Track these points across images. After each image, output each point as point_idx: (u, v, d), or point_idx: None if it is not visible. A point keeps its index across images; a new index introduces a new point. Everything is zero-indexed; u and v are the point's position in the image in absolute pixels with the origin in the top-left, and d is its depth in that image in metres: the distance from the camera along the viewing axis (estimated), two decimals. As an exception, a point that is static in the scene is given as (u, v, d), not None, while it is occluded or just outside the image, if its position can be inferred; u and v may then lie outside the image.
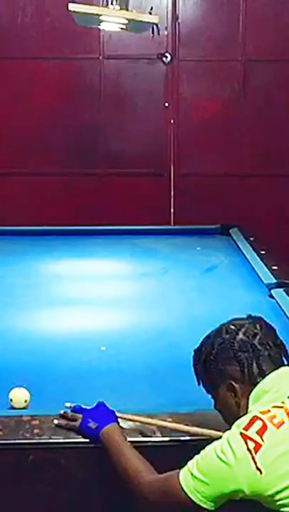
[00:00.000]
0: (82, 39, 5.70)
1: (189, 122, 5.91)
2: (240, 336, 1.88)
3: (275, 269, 3.66)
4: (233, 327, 1.91)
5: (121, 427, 2.00)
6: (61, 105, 5.85)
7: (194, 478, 1.72)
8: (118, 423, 2.00)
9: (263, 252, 3.99)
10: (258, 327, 1.90)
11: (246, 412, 1.80)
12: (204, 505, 1.72)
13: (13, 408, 2.25)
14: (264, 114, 5.90)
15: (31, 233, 4.71)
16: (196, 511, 1.73)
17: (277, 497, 1.67)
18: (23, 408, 2.25)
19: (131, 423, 2.04)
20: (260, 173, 5.94)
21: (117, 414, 2.03)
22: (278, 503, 1.68)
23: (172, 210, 5.92)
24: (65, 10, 3.85)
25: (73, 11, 3.79)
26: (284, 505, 1.68)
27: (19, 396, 2.28)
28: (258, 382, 1.83)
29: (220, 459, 1.70)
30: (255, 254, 3.98)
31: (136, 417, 2.05)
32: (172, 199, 5.93)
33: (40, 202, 5.87)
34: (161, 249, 4.44)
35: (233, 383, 1.85)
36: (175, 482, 1.75)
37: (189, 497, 1.72)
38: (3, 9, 5.78)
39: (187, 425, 2.00)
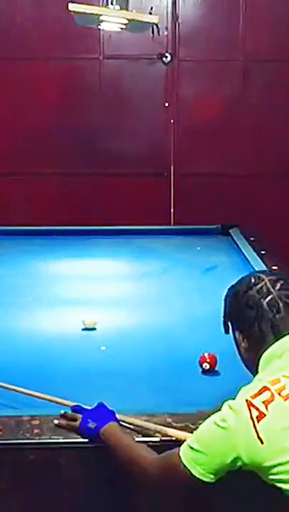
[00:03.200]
0: (82, 39, 5.70)
1: (189, 122, 5.91)
2: (252, 291, 1.85)
3: (275, 269, 3.66)
4: (253, 280, 1.88)
5: (121, 425, 1.99)
6: (61, 105, 5.85)
7: (193, 450, 1.71)
8: (118, 423, 1.99)
9: (263, 252, 3.99)
10: (278, 285, 1.84)
11: (256, 370, 1.80)
12: (204, 479, 1.70)
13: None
14: (264, 114, 5.90)
15: (31, 233, 4.72)
16: (197, 491, 1.71)
17: (275, 470, 1.64)
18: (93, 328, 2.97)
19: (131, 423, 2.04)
20: (260, 173, 5.94)
21: (117, 416, 2.01)
22: (275, 477, 1.65)
23: (172, 210, 5.92)
24: (65, 10, 3.86)
25: (73, 11, 3.79)
26: (280, 481, 1.65)
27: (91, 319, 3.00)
28: (260, 344, 1.81)
29: (219, 426, 1.68)
30: (255, 254, 3.98)
31: (135, 421, 2.03)
32: (172, 199, 5.93)
33: (40, 202, 5.87)
34: (161, 249, 4.44)
35: (241, 334, 1.87)
36: (175, 457, 1.74)
37: (189, 470, 1.70)
38: (3, 9, 5.78)
39: (186, 431, 1.98)
